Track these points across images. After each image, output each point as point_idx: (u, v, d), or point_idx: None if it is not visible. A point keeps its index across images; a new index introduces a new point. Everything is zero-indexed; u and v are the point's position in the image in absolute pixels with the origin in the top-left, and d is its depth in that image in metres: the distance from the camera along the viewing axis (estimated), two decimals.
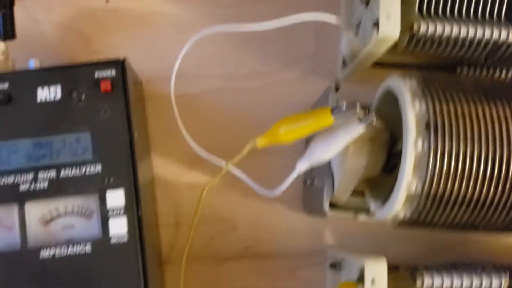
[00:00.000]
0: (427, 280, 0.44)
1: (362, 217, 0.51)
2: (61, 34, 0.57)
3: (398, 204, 0.39)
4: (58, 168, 0.45)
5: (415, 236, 0.56)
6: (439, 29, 0.44)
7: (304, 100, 0.55)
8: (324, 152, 0.41)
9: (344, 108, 0.40)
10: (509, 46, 0.45)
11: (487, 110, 0.39)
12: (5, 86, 0.45)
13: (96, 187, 0.44)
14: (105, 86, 0.45)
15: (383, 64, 0.51)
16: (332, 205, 0.47)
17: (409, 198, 0.39)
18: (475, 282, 0.45)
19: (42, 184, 0.44)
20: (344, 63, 0.53)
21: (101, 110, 0.45)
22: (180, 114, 0.50)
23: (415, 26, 0.43)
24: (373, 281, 0.41)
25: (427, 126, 0.38)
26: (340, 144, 0.41)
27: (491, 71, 0.51)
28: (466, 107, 0.39)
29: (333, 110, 0.40)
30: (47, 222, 0.45)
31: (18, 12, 0.49)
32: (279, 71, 0.58)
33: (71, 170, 0.45)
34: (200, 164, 0.56)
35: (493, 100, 0.40)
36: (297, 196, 0.57)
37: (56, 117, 0.45)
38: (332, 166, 0.45)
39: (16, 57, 0.49)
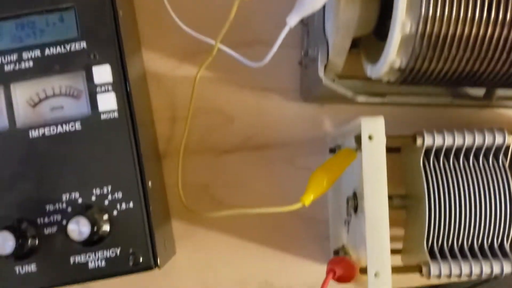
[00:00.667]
0: (427, 139, 0.43)
1: (360, 98, 0.50)
2: None
3: (394, 48, 0.37)
4: (42, 47, 0.43)
5: (415, 124, 0.54)
6: None
7: None
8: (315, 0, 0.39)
9: None
10: None
11: None
12: None
13: (82, 64, 0.43)
14: None
15: None
16: None
17: (404, 41, 0.37)
18: (478, 139, 0.44)
19: (27, 64, 0.43)
20: None
21: None
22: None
23: None
24: (370, 137, 0.40)
25: None
26: None
27: None
28: None
29: None
30: (35, 104, 0.44)
31: None
32: None
33: (56, 48, 0.43)
34: (192, 57, 0.55)
35: None
36: (294, 87, 0.56)
37: None
38: (326, 27, 0.43)
39: None
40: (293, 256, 0.55)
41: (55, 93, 0.44)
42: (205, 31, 0.49)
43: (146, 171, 0.43)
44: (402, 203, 0.48)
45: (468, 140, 0.44)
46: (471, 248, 0.44)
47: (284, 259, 0.55)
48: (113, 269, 0.42)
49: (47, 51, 0.43)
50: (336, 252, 0.50)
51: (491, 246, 0.44)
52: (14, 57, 0.43)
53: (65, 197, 0.42)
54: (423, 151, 0.44)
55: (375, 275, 0.39)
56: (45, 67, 0.43)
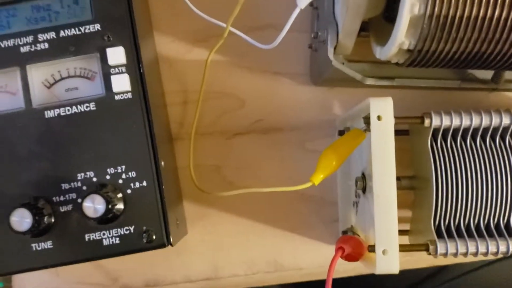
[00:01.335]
0: (435, 119, 0.44)
1: (369, 81, 0.50)
2: None
3: (402, 29, 0.38)
4: (57, 29, 0.44)
5: (423, 108, 0.55)
6: None
7: None
8: None
9: None
10: None
11: None
12: None
13: (96, 46, 0.44)
14: None
15: None
16: None
17: (412, 22, 0.38)
18: (485, 120, 0.44)
19: (43, 46, 0.44)
20: None
21: None
22: None
23: None
24: (379, 117, 0.40)
25: None
26: None
27: None
28: None
29: None
30: (50, 85, 0.45)
31: None
32: None
33: (70, 30, 0.44)
34: (203, 41, 0.56)
35: None
36: (304, 71, 0.56)
37: None
38: (336, 10, 0.44)
39: None
40: (302, 237, 0.56)
41: (70, 74, 0.45)
42: (216, 15, 0.50)
43: (159, 151, 0.44)
44: (410, 184, 0.49)
45: (475, 121, 0.44)
46: (477, 227, 0.45)
47: (293, 240, 0.56)
48: (127, 246, 0.43)
49: (62, 33, 0.44)
50: (345, 233, 0.51)
51: (497, 226, 0.45)
52: (29, 39, 0.44)
53: (80, 176, 0.43)
54: (431, 131, 0.45)
55: (383, 252, 0.40)
56: (60, 49, 0.44)
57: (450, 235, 0.45)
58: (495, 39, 0.38)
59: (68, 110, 0.44)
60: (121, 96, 0.44)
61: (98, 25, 0.44)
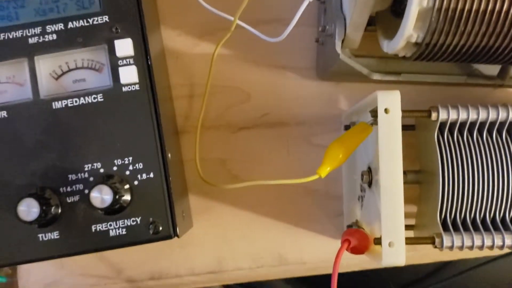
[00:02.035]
0: (442, 113, 0.44)
1: (376, 75, 0.51)
2: None
3: (411, 22, 0.38)
4: (66, 20, 0.44)
5: (429, 103, 0.55)
6: None
7: None
8: None
9: None
10: None
11: None
12: None
13: (104, 37, 0.44)
14: None
15: None
16: None
17: (421, 15, 0.38)
18: (492, 114, 0.44)
19: (51, 37, 0.44)
20: None
21: None
22: None
23: None
24: (386, 110, 0.41)
25: None
26: None
27: None
28: None
29: None
30: (58, 76, 0.45)
31: None
32: None
33: (79, 22, 0.44)
34: (210, 35, 0.56)
35: None
36: (310, 65, 0.57)
37: None
38: (343, 4, 0.44)
39: None
40: (307, 231, 0.56)
41: (77, 66, 0.45)
42: (224, 8, 0.50)
43: (166, 143, 0.44)
44: (416, 178, 0.49)
45: (482, 115, 0.44)
46: (483, 221, 0.45)
47: (298, 234, 0.56)
48: (133, 238, 0.43)
49: (70, 25, 0.44)
50: (350, 227, 0.51)
51: (503, 219, 0.45)
52: (38, 30, 0.44)
53: (87, 167, 0.43)
54: (438, 125, 0.45)
55: (390, 244, 0.40)
56: (68, 40, 0.44)
57: (456, 229, 0.45)
58: (503, 33, 0.38)
59: (76, 102, 0.44)
60: (129, 88, 0.44)
61: (107, 16, 0.44)
